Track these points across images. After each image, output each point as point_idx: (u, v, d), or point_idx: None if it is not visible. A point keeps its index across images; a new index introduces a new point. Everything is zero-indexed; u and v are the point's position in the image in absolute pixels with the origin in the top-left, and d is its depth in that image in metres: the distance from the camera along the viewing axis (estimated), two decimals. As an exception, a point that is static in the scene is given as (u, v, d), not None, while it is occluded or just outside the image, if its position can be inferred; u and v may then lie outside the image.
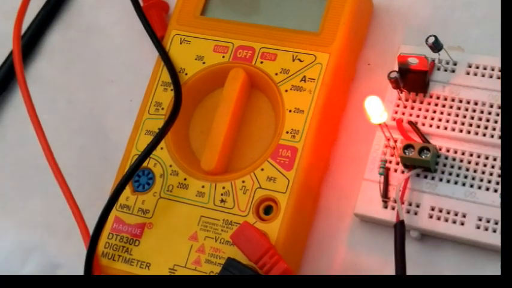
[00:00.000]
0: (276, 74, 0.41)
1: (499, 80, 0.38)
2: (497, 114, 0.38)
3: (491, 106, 0.38)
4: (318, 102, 0.40)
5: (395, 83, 0.39)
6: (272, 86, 0.41)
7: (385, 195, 0.39)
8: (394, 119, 0.40)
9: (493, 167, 0.38)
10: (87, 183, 0.45)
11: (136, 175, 0.42)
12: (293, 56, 0.41)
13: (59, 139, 0.45)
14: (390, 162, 0.39)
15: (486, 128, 0.38)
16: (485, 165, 0.38)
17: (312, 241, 0.40)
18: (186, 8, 0.44)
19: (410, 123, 0.39)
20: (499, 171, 0.37)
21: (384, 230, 0.38)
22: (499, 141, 0.38)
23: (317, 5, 0.42)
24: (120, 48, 0.48)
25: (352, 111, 0.42)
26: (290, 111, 0.40)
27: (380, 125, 0.38)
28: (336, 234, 0.40)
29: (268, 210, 0.39)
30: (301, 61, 0.41)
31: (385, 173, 0.39)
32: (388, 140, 0.39)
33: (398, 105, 0.40)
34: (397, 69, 0.39)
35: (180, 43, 0.44)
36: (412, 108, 0.40)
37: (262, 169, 0.40)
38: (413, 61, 0.39)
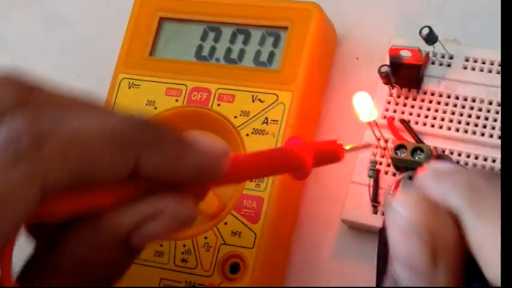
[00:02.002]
0: (235, 117, 0.40)
1: (499, 75, 0.38)
2: (497, 112, 0.38)
3: (490, 103, 0.38)
4: (283, 146, 0.39)
5: (386, 78, 0.38)
6: (232, 131, 0.40)
7: (374, 199, 0.38)
8: (384, 117, 0.39)
9: (492, 169, 0.37)
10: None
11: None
12: (253, 96, 0.40)
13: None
14: (380, 163, 0.39)
15: (485, 127, 0.38)
16: (483, 167, 0.37)
17: (295, 250, 0.40)
18: (133, 49, 0.43)
19: (402, 121, 0.39)
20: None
21: (374, 237, 0.37)
22: (499, 141, 0.37)
23: (276, 40, 0.41)
24: (85, 40, 0.47)
25: (340, 108, 0.42)
26: None
27: (370, 123, 0.37)
28: (321, 242, 0.39)
29: (234, 268, 0.38)
30: (261, 101, 0.40)
31: (375, 175, 0.38)
32: (379, 139, 0.38)
33: (389, 102, 0.39)
34: (388, 63, 0.39)
35: (129, 88, 0.42)
36: (405, 105, 0.39)
37: (225, 223, 0.38)
38: (405, 54, 0.38)
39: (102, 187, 0.26)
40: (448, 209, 0.23)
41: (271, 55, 0.41)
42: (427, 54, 0.39)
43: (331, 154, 0.33)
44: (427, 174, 0.25)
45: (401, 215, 0.23)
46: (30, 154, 0.23)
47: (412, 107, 0.39)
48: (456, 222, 0.23)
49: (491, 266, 0.22)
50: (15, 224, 0.23)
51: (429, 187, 0.24)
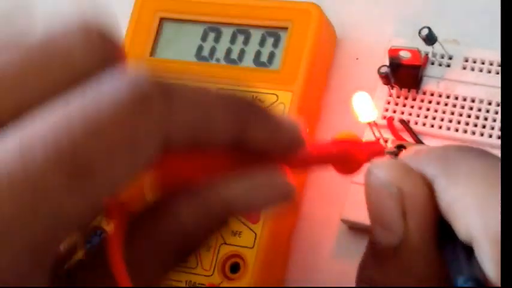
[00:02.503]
0: None
1: (498, 76, 0.38)
2: (496, 112, 0.37)
3: (490, 103, 0.38)
4: (282, 146, 0.38)
5: (386, 79, 0.38)
6: None
7: (374, 199, 0.37)
8: (384, 118, 0.39)
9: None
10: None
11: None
12: (253, 96, 0.39)
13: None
14: (380, 164, 0.38)
15: (484, 127, 0.37)
16: (483, 167, 0.36)
17: (295, 251, 0.39)
18: (134, 49, 0.42)
19: (402, 121, 0.38)
20: (498, 174, 0.36)
21: (374, 238, 0.37)
22: (498, 141, 0.37)
23: (276, 40, 0.41)
24: None
25: (340, 108, 0.41)
26: None
27: (369, 123, 0.36)
28: (321, 242, 0.39)
29: (235, 267, 0.37)
30: (261, 102, 0.39)
31: (375, 175, 0.37)
32: (378, 140, 0.38)
33: (389, 103, 0.39)
34: (387, 63, 0.38)
35: None
36: (404, 105, 0.39)
37: None
38: (405, 55, 0.38)
39: (205, 154, 0.25)
40: (421, 175, 0.24)
41: (271, 55, 0.41)
42: (427, 54, 0.39)
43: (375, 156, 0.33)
44: (407, 153, 0.26)
45: (376, 175, 0.24)
46: (160, 105, 0.22)
47: (412, 107, 0.38)
48: (430, 188, 0.24)
49: (461, 224, 0.23)
50: (136, 170, 0.22)
51: (407, 162, 0.25)
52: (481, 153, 0.24)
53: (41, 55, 0.22)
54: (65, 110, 0.21)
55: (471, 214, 0.22)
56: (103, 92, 0.21)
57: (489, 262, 0.22)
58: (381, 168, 0.24)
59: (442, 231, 0.23)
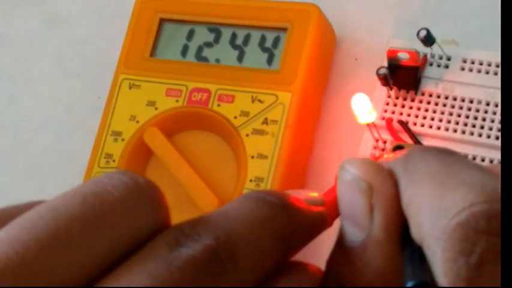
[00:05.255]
0: (235, 117, 0.40)
1: (496, 76, 0.38)
2: (494, 113, 0.37)
3: (488, 104, 0.38)
4: (282, 146, 0.39)
5: (385, 80, 0.38)
6: (232, 131, 0.40)
7: (373, 200, 0.37)
8: (383, 119, 0.39)
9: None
10: (49, 185, 0.44)
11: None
12: (252, 96, 0.40)
13: (20, 137, 0.45)
14: (379, 164, 0.38)
15: (482, 127, 0.37)
16: (481, 168, 0.36)
17: None
18: (134, 50, 0.43)
19: (400, 122, 0.38)
20: (496, 175, 0.36)
21: (372, 238, 0.37)
22: (496, 142, 0.37)
23: (275, 41, 0.41)
24: (85, 40, 0.47)
25: (339, 110, 0.41)
26: (253, 157, 0.39)
27: (368, 124, 0.37)
28: (321, 242, 0.38)
29: None
30: (261, 102, 0.40)
31: (374, 176, 0.37)
32: (377, 141, 0.39)
33: (387, 104, 0.39)
34: (386, 64, 0.38)
35: (129, 88, 0.42)
36: (403, 106, 0.39)
37: None
38: (403, 56, 0.38)
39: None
40: (392, 174, 0.24)
41: (271, 56, 0.41)
42: (425, 55, 0.39)
43: None
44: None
45: (347, 171, 0.24)
46: (229, 268, 0.21)
47: (410, 108, 0.38)
48: (397, 187, 0.24)
49: (413, 223, 0.23)
50: None
51: (381, 163, 0.25)
52: (440, 152, 0.24)
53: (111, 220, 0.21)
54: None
55: (421, 213, 0.23)
56: (176, 258, 0.21)
57: (435, 263, 0.22)
58: (352, 164, 0.25)
59: (405, 232, 0.24)
